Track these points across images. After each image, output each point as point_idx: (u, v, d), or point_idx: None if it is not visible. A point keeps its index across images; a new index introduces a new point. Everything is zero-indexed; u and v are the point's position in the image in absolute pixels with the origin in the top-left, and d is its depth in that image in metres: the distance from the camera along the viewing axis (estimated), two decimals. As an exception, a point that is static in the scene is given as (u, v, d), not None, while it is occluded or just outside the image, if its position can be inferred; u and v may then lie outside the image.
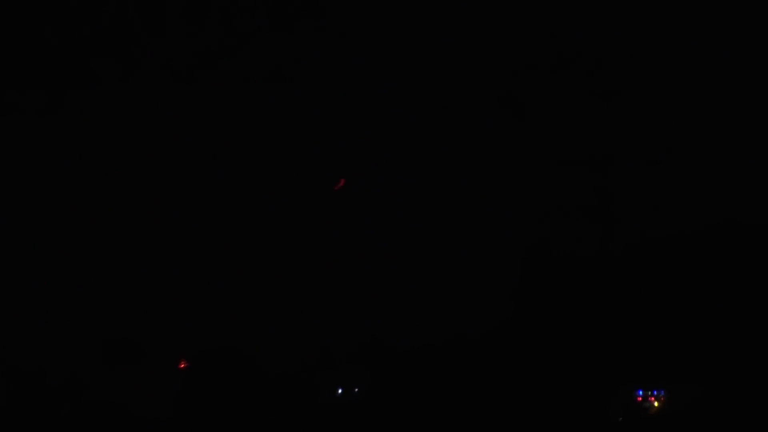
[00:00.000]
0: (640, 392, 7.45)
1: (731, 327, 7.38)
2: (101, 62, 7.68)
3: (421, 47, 7.87)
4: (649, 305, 7.60)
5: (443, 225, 7.99)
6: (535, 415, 6.95)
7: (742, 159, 7.70)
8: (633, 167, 7.87)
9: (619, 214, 7.78)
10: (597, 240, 7.77)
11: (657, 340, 7.49)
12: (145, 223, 7.74)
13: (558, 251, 7.79)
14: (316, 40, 7.72)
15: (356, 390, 7.78)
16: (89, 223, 7.73)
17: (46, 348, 7.39)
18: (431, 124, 7.99)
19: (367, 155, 8.01)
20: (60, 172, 7.89)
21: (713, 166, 7.75)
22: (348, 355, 7.74)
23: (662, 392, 7.42)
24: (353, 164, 8.02)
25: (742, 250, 7.54)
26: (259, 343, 7.61)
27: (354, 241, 7.99)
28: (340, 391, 7.78)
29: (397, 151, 8.07)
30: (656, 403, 7.37)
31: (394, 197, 7.98)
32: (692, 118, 7.86)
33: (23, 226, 7.56)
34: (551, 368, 7.42)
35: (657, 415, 7.26)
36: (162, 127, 7.82)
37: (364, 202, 8.02)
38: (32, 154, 7.67)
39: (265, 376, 5.44)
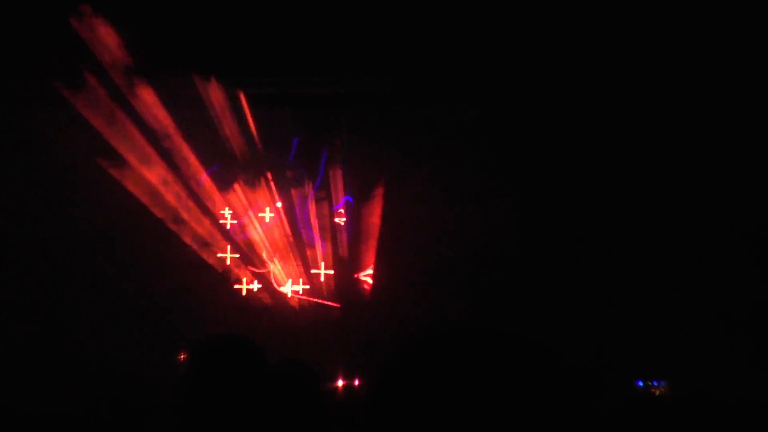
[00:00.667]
0: (641, 383, 7.23)
1: (731, 320, 7.09)
2: None
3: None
4: (648, 298, 7.43)
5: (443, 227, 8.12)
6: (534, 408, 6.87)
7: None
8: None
9: (616, 210, 7.71)
10: (598, 237, 7.72)
11: (658, 332, 7.27)
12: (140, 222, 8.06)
13: (558, 246, 7.78)
14: None
15: (357, 383, 7.94)
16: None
17: (44, 346, 7.77)
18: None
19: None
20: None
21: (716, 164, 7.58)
22: (350, 348, 7.92)
23: (662, 383, 7.17)
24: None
25: (740, 247, 7.30)
26: (260, 335, 7.97)
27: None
28: (340, 383, 7.98)
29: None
30: (657, 394, 7.11)
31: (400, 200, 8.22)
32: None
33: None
34: (551, 360, 7.32)
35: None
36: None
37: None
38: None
39: (266, 366, 5.83)
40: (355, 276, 8.18)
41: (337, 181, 8.09)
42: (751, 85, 7.20)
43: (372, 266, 8.13)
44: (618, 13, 7.00)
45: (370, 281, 8.14)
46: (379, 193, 8.07)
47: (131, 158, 7.59)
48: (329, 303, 8.13)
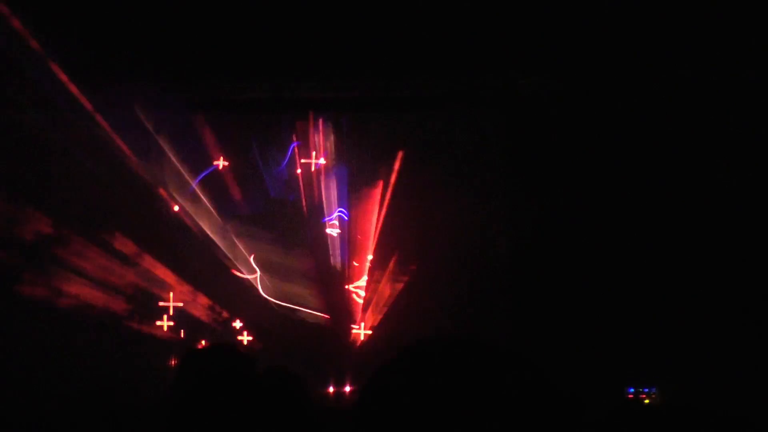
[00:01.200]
0: (631, 390, 7.23)
1: (724, 324, 7.07)
2: None
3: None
4: (639, 303, 7.42)
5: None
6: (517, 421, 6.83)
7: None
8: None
9: (608, 215, 7.68)
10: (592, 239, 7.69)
11: (648, 337, 7.26)
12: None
13: (549, 251, 7.75)
14: None
15: (348, 389, 7.93)
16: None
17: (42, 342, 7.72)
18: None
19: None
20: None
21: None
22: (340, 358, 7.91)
23: (653, 390, 7.17)
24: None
25: (736, 248, 7.28)
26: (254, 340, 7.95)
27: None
28: (331, 389, 7.96)
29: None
30: (647, 401, 7.11)
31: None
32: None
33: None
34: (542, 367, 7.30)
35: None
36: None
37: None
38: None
39: (254, 374, 5.82)
40: (346, 287, 8.15)
41: (330, 190, 8.02)
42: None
43: (364, 277, 8.10)
44: (617, 11, 6.99)
45: (362, 293, 8.11)
46: (374, 202, 8.02)
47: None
48: (319, 314, 8.09)
